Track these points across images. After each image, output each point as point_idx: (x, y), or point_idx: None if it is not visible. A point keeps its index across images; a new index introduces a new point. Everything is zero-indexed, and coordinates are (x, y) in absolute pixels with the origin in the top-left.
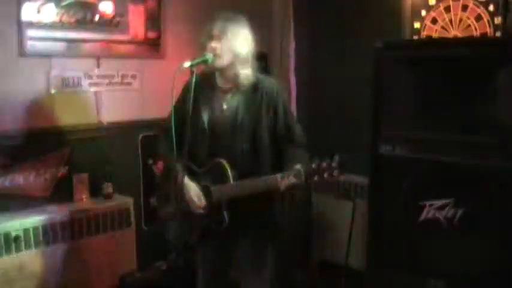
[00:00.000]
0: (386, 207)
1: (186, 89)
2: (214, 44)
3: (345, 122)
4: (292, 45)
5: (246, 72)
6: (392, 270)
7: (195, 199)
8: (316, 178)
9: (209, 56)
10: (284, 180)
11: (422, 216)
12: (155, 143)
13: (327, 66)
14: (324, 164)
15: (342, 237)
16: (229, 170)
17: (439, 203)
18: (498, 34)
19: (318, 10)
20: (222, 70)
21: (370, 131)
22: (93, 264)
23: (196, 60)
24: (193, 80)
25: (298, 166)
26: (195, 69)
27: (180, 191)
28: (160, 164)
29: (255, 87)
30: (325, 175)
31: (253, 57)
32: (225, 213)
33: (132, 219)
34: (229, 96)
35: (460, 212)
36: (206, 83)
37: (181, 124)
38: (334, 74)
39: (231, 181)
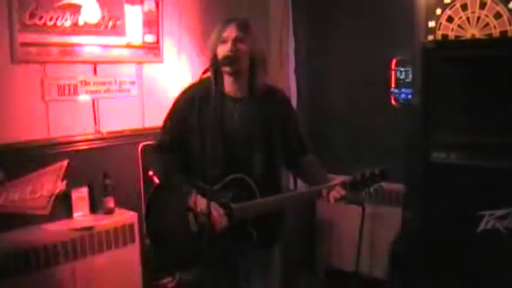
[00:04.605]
0: (432, 218)
1: (185, 104)
2: (230, 47)
3: (345, 125)
4: (292, 46)
5: (262, 78)
6: (442, 282)
7: (218, 219)
8: (361, 188)
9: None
10: (333, 192)
11: (481, 227)
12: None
13: (329, 68)
14: (368, 174)
15: (349, 243)
16: (253, 185)
17: (499, 212)
18: None
19: (318, 8)
20: (238, 75)
21: (421, 137)
22: (97, 284)
23: (222, 61)
24: (214, 87)
25: (340, 177)
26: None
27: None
28: None
29: (266, 95)
30: (370, 184)
31: (266, 62)
32: (252, 229)
33: (136, 234)
34: (240, 105)
35: None
36: (209, 94)
37: (181, 143)
38: (337, 76)
39: (258, 197)
